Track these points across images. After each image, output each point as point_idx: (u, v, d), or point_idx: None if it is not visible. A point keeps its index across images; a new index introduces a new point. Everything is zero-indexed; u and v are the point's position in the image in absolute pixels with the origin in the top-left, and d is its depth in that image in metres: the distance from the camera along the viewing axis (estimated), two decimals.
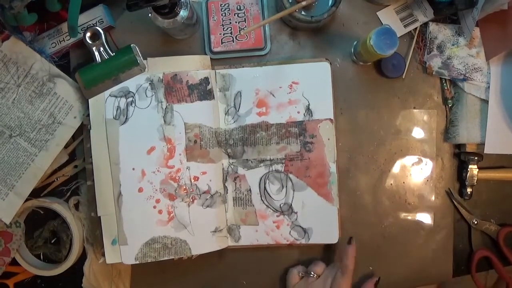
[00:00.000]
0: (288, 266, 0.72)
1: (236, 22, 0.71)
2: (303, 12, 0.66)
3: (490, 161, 0.72)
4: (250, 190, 0.69)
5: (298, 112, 0.69)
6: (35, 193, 0.71)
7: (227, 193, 0.70)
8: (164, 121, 0.68)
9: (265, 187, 0.69)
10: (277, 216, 0.69)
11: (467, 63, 0.70)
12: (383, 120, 0.72)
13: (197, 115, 0.68)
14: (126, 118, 0.68)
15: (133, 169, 0.68)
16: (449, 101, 0.72)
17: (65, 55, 0.71)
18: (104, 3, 0.69)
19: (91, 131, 0.68)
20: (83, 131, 0.70)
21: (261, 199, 0.69)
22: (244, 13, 0.71)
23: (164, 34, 0.72)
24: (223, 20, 0.71)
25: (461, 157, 0.72)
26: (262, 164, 0.69)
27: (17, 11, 0.58)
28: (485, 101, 0.70)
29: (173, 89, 0.68)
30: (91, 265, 0.71)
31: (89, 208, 0.71)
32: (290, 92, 0.69)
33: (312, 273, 0.68)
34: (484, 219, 0.72)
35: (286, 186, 0.69)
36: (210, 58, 0.71)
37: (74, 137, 0.71)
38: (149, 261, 0.68)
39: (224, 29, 0.71)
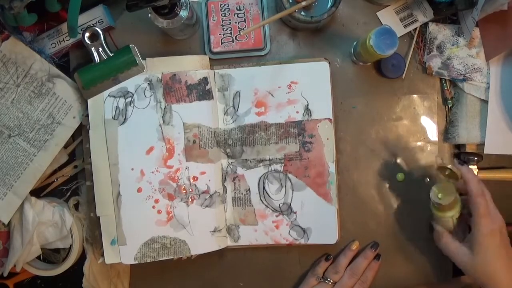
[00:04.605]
0: (287, 266, 0.73)
1: (236, 22, 0.71)
2: (302, 13, 0.66)
3: (490, 162, 0.72)
4: (249, 190, 0.69)
5: (297, 112, 0.69)
6: (36, 193, 0.71)
7: (226, 193, 0.70)
8: (163, 121, 0.68)
9: (264, 187, 0.69)
10: (276, 216, 0.69)
11: (467, 63, 0.70)
12: (383, 120, 0.72)
13: (196, 115, 0.68)
14: (125, 118, 0.68)
15: (132, 169, 0.68)
16: (449, 101, 0.72)
17: (65, 55, 0.71)
18: (104, 3, 0.70)
19: (90, 131, 0.68)
20: (82, 131, 0.71)
21: (260, 199, 0.69)
22: (244, 13, 0.71)
23: (164, 34, 0.72)
24: (222, 21, 0.71)
25: (461, 157, 0.72)
26: (261, 164, 0.69)
27: (17, 11, 0.58)
28: (485, 101, 0.70)
29: (172, 89, 0.68)
30: (90, 265, 0.71)
31: (89, 208, 0.71)
32: (289, 92, 0.69)
33: (329, 279, 0.69)
34: None
35: (285, 186, 0.69)
36: (210, 59, 0.71)
37: (73, 137, 0.72)
38: (148, 261, 0.68)
39: (224, 30, 0.71)
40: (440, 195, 0.61)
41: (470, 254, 0.58)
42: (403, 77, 0.71)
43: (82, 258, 0.72)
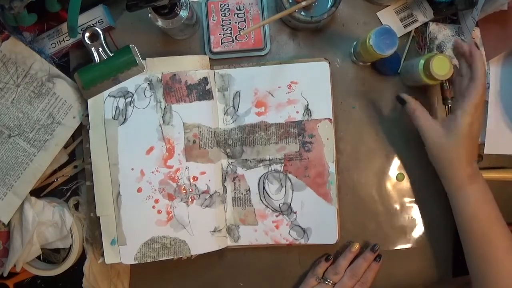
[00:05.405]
0: (287, 266, 0.73)
1: (236, 22, 0.71)
2: (302, 13, 0.66)
3: (490, 161, 0.72)
4: (249, 190, 0.69)
5: (297, 112, 0.69)
6: (36, 193, 0.71)
7: (226, 193, 0.70)
8: (163, 121, 0.68)
9: (264, 187, 0.69)
10: (276, 216, 0.69)
11: None
12: (383, 120, 0.72)
13: (196, 115, 0.68)
14: (125, 118, 0.68)
15: (132, 169, 0.68)
16: (449, 101, 0.71)
17: (65, 55, 0.71)
18: (104, 3, 0.69)
19: (90, 131, 0.68)
20: (82, 131, 0.71)
21: (260, 199, 0.69)
22: (244, 13, 0.71)
23: (164, 34, 0.72)
24: (223, 21, 0.71)
25: None
26: (261, 164, 0.69)
27: (17, 11, 0.58)
28: (485, 101, 0.70)
29: (172, 89, 0.68)
30: (90, 265, 0.71)
31: (89, 208, 0.71)
32: (289, 92, 0.69)
33: (329, 280, 0.69)
34: None
35: (285, 186, 0.69)
36: (210, 59, 0.71)
37: (73, 137, 0.72)
38: (148, 261, 0.68)
39: (224, 30, 0.71)
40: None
41: (443, 133, 0.61)
42: (399, 71, 0.71)
43: (82, 258, 0.72)
